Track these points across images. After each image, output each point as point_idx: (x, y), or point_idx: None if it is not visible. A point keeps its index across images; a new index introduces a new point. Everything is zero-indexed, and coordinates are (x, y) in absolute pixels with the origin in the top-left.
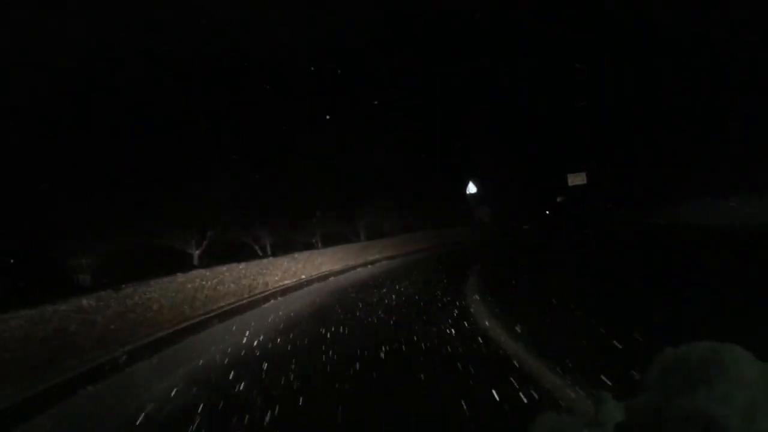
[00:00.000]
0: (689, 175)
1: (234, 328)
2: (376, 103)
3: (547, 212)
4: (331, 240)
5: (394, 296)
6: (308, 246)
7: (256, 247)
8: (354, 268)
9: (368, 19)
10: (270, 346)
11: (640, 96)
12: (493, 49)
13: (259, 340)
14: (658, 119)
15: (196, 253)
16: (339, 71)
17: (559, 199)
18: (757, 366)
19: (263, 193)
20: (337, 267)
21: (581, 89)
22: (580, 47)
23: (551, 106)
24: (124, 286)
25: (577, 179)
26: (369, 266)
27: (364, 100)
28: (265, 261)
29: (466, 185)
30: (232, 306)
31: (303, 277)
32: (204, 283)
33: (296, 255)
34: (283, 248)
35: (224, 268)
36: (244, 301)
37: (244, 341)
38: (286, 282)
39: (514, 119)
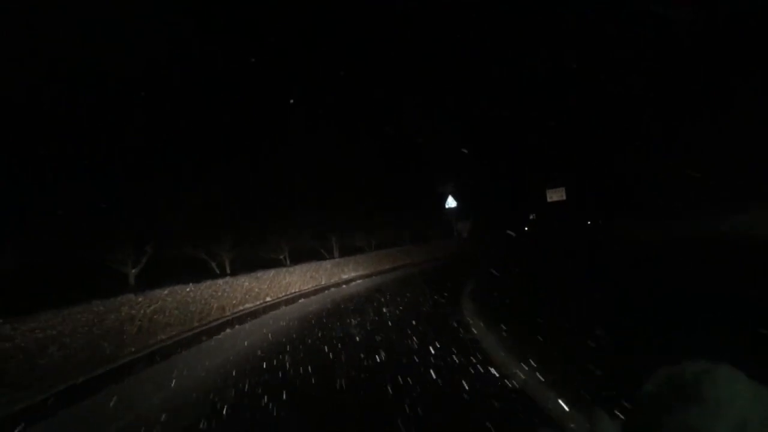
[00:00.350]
0: (669, 190)
1: (167, 374)
2: (347, 112)
3: (526, 228)
4: (301, 256)
5: (376, 326)
6: (275, 263)
7: (213, 265)
8: (327, 288)
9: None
10: (214, 404)
11: (622, 109)
12: (475, 62)
13: (197, 395)
14: (642, 134)
15: (132, 271)
16: (318, 76)
17: (531, 217)
18: (749, 385)
19: (223, 203)
20: (308, 287)
21: (563, 103)
22: (561, 60)
23: (533, 120)
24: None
25: (556, 195)
26: (344, 286)
27: (339, 108)
28: (221, 281)
29: (445, 199)
30: (174, 340)
31: (268, 299)
32: (134, 311)
33: (260, 274)
34: (245, 266)
35: (165, 291)
36: (191, 333)
37: (173, 385)
38: (246, 306)
39: (495, 132)
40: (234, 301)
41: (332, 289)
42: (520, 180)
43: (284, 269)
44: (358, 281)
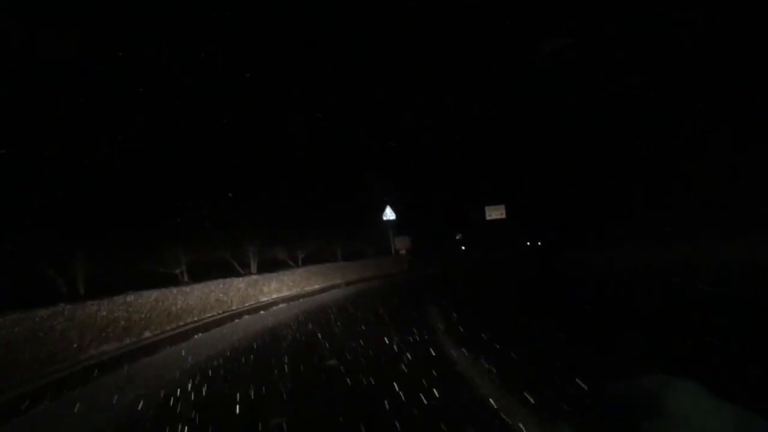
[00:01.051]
0: (613, 215)
1: None
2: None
3: (463, 247)
4: (207, 271)
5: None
6: (168, 280)
7: (60, 282)
8: (238, 314)
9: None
10: None
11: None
12: (416, 71)
13: None
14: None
15: None
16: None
17: (457, 237)
18: (708, 398)
19: (90, 195)
20: (210, 315)
21: (507, 117)
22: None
23: (476, 133)
24: None
25: (495, 212)
26: (261, 312)
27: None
28: (48, 311)
29: (382, 210)
30: None
31: (146, 335)
32: None
33: (132, 297)
34: (123, 283)
35: None
36: None
37: None
38: (102, 349)
39: (436, 143)
40: (85, 342)
41: (246, 318)
42: (459, 195)
43: (175, 290)
44: (281, 305)
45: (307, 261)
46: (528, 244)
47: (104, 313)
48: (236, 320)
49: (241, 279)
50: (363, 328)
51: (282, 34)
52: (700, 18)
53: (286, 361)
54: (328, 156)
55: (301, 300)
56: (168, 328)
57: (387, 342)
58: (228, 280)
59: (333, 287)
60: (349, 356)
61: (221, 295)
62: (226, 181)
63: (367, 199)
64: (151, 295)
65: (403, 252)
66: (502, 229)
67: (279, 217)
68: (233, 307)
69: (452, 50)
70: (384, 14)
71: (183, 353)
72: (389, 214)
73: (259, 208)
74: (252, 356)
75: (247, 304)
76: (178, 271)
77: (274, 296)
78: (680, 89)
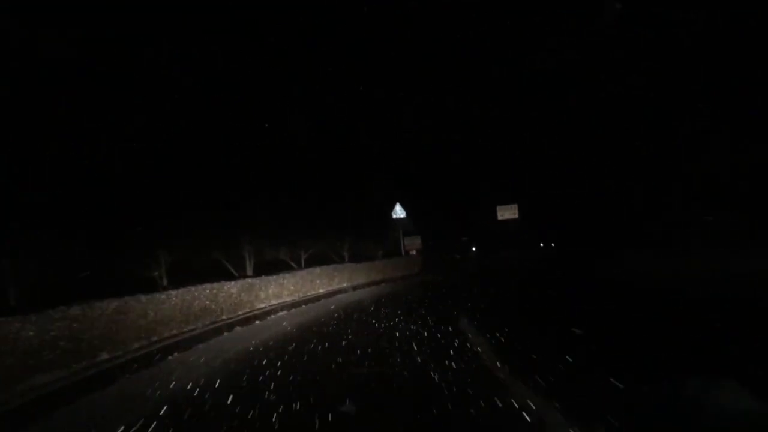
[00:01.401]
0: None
1: None
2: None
3: (474, 249)
4: (193, 272)
5: None
6: (145, 284)
7: None
8: (228, 326)
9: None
10: None
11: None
12: (416, 71)
13: None
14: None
15: None
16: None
17: (464, 239)
18: (754, 399)
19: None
20: (193, 326)
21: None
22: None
23: (477, 133)
24: None
25: (507, 212)
26: (257, 322)
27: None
28: None
29: (392, 208)
30: None
31: (103, 356)
32: None
33: (77, 309)
34: (70, 288)
35: None
36: None
37: None
38: (37, 380)
39: (437, 142)
40: (3, 375)
41: (237, 330)
42: (467, 195)
43: (144, 298)
44: (280, 313)
45: (311, 262)
46: (541, 245)
47: (31, 333)
48: (225, 333)
49: (232, 283)
50: (380, 349)
51: (282, 34)
52: (700, 18)
53: (281, 407)
54: (329, 156)
55: (303, 307)
56: (136, 346)
57: (412, 374)
58: (217, 284)
59: (339, 291)
60: (366, 401)
61: (208, 302)
62: (225, 181)
63: (375, 197)
64: (109, 306)
65: (413, 252)
66: (513, 229)
67: (279, 214)
68: (223, 317)
69: (452, 50)
70: (384, 14)
71: (144, 385)
72: (399, 211)
73: (258, 205)
74: (235, 391)
75: (240, 313)
76: (155, 273)
77: (273, 302)
78: (680, 89)
